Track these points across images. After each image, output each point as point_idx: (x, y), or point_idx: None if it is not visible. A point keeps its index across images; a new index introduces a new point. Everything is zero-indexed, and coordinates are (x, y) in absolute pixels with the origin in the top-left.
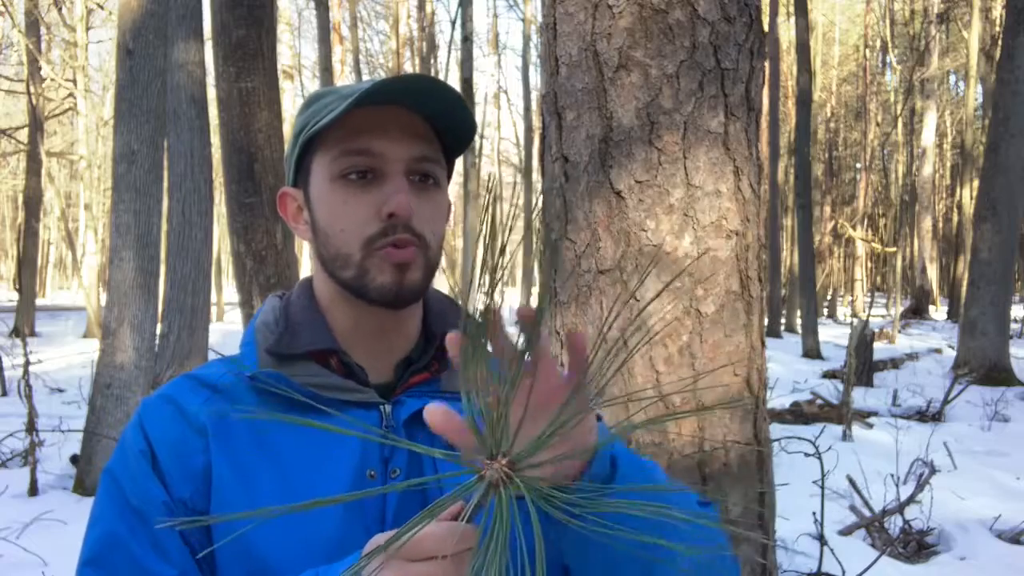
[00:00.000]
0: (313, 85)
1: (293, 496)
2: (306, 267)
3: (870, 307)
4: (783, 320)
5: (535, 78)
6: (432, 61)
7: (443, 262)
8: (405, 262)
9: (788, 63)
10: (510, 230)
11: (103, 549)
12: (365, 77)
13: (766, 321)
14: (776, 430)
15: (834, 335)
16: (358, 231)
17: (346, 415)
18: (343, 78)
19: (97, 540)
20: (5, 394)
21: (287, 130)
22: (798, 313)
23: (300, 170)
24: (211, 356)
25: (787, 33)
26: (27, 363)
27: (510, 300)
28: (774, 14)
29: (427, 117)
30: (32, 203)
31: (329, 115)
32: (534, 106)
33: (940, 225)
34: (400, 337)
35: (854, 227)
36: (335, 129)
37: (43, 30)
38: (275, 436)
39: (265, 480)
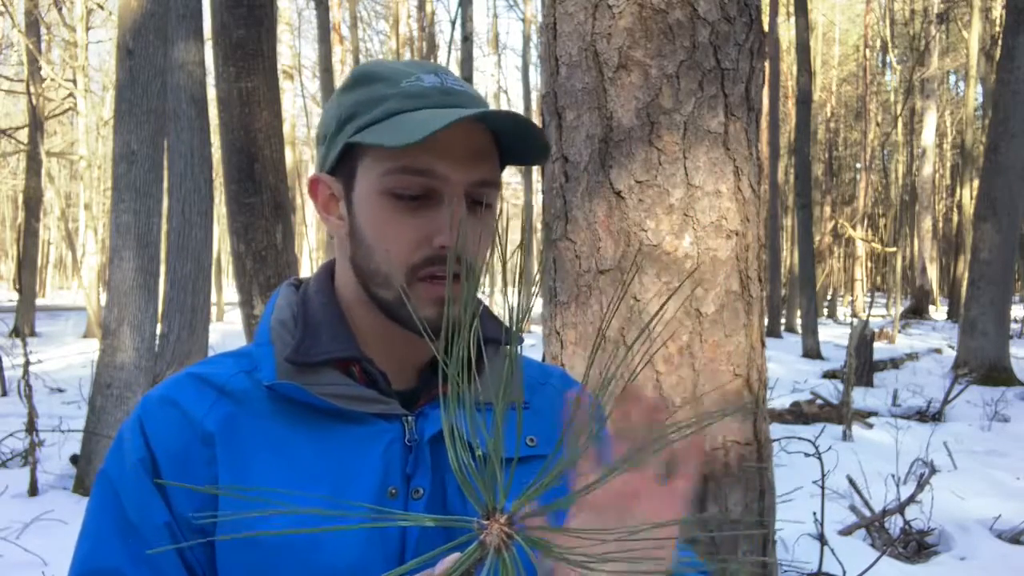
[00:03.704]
0: (313, 85)
1: (311, 517)
2: (306, 267)
3: (870, 307)
4: (783, 320)
5: (535, 78)
6: (432, 61)
7: None
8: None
9: (788, 63)
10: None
11: (94, 569)
12: None
13: (766, 321)
14: (776, 430)
15: (834, 335)
16: (404, 255)
17: (368, 427)
18: (343, 78)
19: (88, 557)
20: (5, 394)
21: (287, 130)
22: (798, 313)
23: (342, 163)
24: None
25: (787, 33)
26: (27, 363)
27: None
28: (774, 14)
29: (494, 132)
30: (32, 203)
31: (386, 123)
32: (534, 106)
33: (940, 225)
34: (426, 342)
35: (854, 227)
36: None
37: (43, 30)
38: (291, 448)
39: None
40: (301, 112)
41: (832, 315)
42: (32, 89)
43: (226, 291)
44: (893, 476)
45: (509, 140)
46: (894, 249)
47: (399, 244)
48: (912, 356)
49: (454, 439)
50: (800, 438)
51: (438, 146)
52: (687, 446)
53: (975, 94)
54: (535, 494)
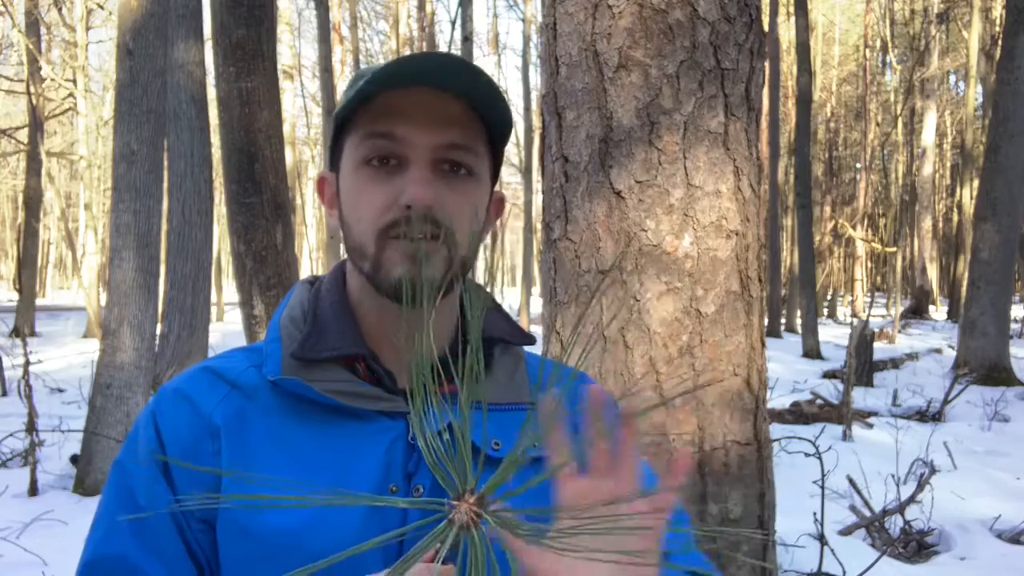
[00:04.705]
0: (313, 85)
1: (309, 508)
2: (306, 267)
3: (870, 307)
4: (783, 320)
5: (535, 78)
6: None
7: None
8: (419, 254)
9: (788, 63)
10: None
11: (105, 554)
12: None
13: (766, 321)
14: (776, 430)
15: (834, 335)
16: (373, 221)
17: (371, 424)
18: (343, 78)
19: (100, 543)
20: (5, 394)
21: (287, 130)
22: (798, 313)
23: (335, 153)
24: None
25: (787, 33)
26: (27, 363)
27: (510, 300)
28: (774, 14)
29: (469, 101)
30: (32, 203)
31: (353, 96)
32: (534, 106)
33: (940, 225)
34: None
35: (854, 227)
36: (362, 112)
37: (43, 30)
38: (295, 442)
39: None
40: (301, 112)
41: (832, 315)
42: (32, 89)
43: (226, 291)
44: (893, 476)
45: (483, 106)
46: (894, 249)
47: (370, 210)
48: (912, 356)
49: (422, 428)
50: (800, 438)
51: (399, 111)
52: (673, 459)
53: (975, 94)
54: (507, 471)
